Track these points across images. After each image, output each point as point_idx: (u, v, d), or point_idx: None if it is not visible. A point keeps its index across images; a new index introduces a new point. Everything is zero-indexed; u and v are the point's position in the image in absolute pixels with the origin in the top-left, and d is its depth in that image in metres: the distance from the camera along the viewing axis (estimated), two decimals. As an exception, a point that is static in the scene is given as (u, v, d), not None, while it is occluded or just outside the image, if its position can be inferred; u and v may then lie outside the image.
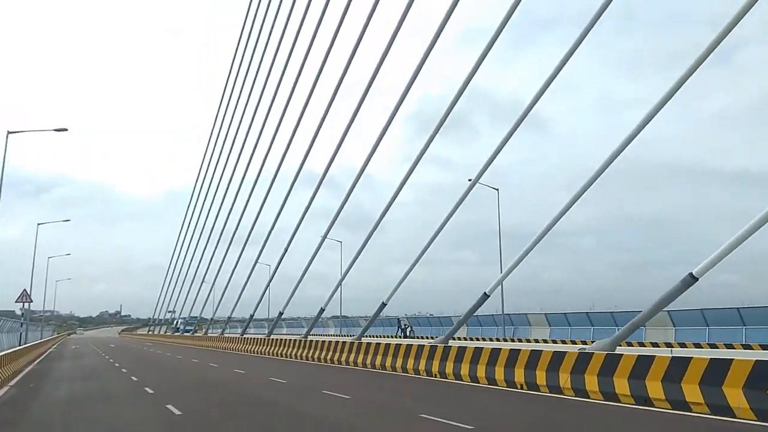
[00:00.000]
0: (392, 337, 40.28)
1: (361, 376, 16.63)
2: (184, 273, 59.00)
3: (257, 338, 34.58)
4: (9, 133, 22.24)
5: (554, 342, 29.89)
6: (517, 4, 16.34)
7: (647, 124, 12.76)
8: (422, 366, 15.97)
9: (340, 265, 48.23)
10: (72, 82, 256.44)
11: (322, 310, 27.25)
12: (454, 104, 18.64)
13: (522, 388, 12.01)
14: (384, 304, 21.27)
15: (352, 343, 20.92)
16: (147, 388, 14.08)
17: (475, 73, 17.89)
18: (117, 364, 24.52)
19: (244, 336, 37.69)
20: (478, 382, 13.38)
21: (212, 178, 51.59)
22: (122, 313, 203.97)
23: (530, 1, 17.17)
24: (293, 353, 25.66)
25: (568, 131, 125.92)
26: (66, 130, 23.56)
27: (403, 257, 44.93)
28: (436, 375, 15.17)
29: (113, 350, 41.57)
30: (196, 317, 61.18)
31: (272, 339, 30.51)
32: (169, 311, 72.74)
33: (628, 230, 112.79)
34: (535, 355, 12.16)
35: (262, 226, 35.98)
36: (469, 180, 18.39)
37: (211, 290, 50.88)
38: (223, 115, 50.36)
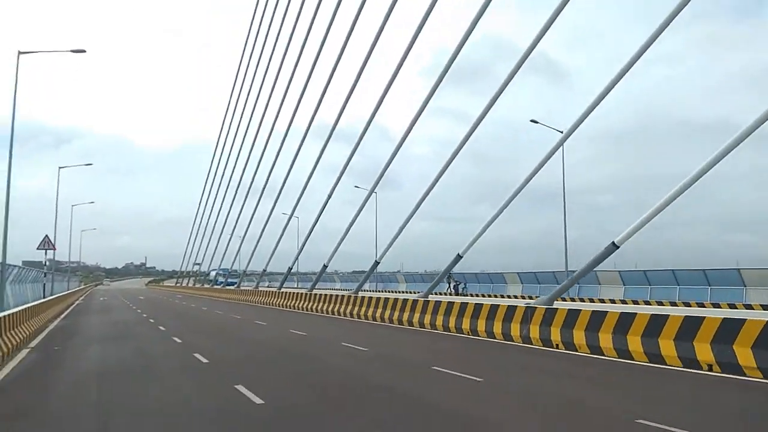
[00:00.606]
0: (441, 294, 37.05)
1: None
2: (211, 226, 57.23)
3: (294, 293, 32.29)
4: (20, 53, 19.19)
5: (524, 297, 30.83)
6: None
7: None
8: (399, 317, 18.48)
9: (375, 217, 47.26)
10: (91, 33, 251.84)
11: (325, 267, 28.88)
12: (461, 47, 18.14)
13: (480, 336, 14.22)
14: (377, 263, 22.52)
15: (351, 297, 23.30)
16: (198, 355, 11.17)
17: (481, 16, 17.25)
18: (152, 320, 21.97)
19: (281, 290, 35.17)
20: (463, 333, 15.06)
21: (236, 133, 49.93)
22: (147, 265, 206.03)
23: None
24: (337, 309, 23.26)
25: (591, 86, 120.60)
26: (84, 51, 20.76)
27: (419, 213, 43.33)
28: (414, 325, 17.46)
29: (144, 303, 38.68)
30: (236, 270, 57.29)
31: (314, 294, 28.00)
32: (196, 263, 72.23)
33: (649, 188, 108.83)
34: (493, 308, 14.29)
35: (294, 180, 34.86)
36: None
37: (241, 243, 48.60)
38: (245, 71, 48.70)
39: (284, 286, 37.32)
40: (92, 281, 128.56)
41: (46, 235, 31.07)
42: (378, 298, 21.05)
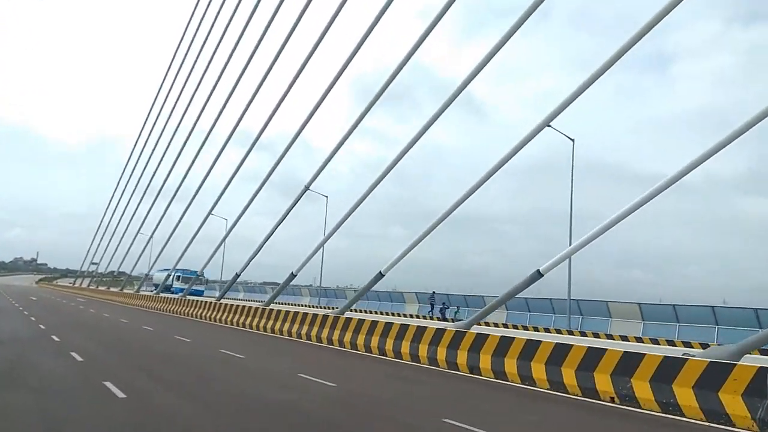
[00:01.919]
0: (410, 316, 35.11)
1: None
2: (119, 225, 54.04)
3: (202, 301, 30.95)
4: None
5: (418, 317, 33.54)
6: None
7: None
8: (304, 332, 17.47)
9: (324, 223, 44.99)
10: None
11: (237, 275, 28.77)
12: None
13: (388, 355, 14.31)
14: (293, 275, 21.84)
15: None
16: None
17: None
18: (55, 337, 15.28)
19: (188, 299, 33.51)
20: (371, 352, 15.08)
21: (155, 133, 48.14)
22: (38, 261, 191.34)
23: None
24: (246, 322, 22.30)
25: (506, 119, 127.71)
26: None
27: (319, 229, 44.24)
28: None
29: (38, 307, 31.74)
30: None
31: (222, 304, 26.94)
32: (93, 263, 67.94)
33: (548, 222, 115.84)
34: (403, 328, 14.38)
35: (215, 186, 33.82)
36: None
37: (148, 243, 45.95)
38: (168, 71, 47.90)
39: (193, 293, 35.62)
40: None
41: None
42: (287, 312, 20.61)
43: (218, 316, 26.08)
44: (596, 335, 25.12)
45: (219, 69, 34.41)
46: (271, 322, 21.10)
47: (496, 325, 28.98)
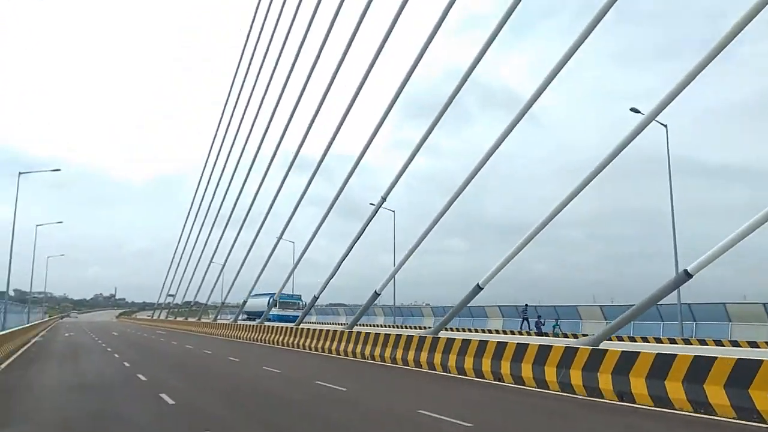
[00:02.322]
0: (513, 332, 32.65)
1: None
2: (187, 257, 54.79)
3: (278, 327, 29.83)
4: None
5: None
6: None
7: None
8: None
9: (393, 236, 43.93)
10: (69, 72, 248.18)
11: (315, 298, 27.21)
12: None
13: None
14: (377, 294, 20.91)
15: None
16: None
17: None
18: (142, 377, 13.84)
19: (263, 325, 32.64)
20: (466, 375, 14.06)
21: (215, 164, 49.05)
22: (117, 296, 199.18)
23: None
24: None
25: (559, 121, 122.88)
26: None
27: (391, 246, 43.60)
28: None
29: (120, 342, 30.82)
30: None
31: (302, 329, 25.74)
32: (170, 294, 69.13)
33: (616, 223, 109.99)
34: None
35: (279, 212, 34.06)
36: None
37: (221, 271, 45.91)
38: (224, 105, 48.31)
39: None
40: (59, 312, 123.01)
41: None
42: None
43: (298, 341, 24.89)
44: (719, 343, 22.28)
45: (275, 98, 34.49)
46: (358, 346, 19.59)
47: (584, 335, 26.35)
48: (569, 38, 14.25)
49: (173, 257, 63.64)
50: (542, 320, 32.92)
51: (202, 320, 50.71)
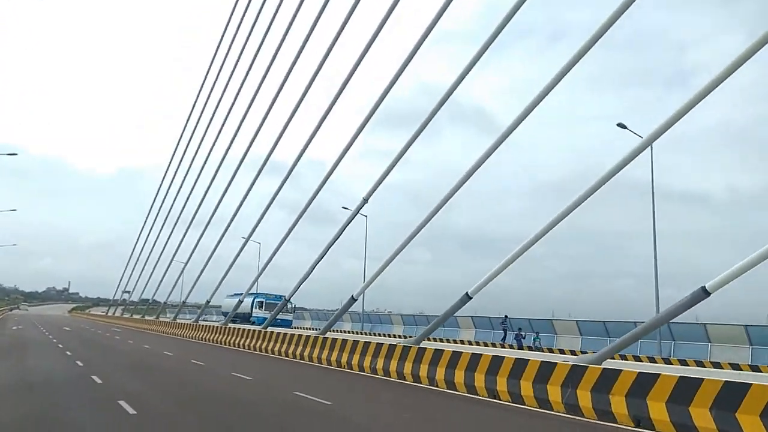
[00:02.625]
0: (487, 344, 30.36)
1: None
2: (147, 253, 52.52)
3: (241, 329, 28.50)
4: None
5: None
6: (513, 12, 15.58)
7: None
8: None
9: (365, 240, 42.90)
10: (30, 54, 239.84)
11: (286, 301, 27.46)
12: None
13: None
14: (354, 299, 20.40)
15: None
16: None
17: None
18: (96, 378, 12.38)
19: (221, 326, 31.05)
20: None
21: (180, 162, 46.65)
22: (70, 291, 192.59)
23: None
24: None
25: (529, 141, 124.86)
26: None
27: (359, 253, 43.29)
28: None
29: (72, 338, 29.72)
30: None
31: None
32: (126, 291, 66.53)
33: (575, 241, 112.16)
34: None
35: (233, 211, 33.43)
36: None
37: (182, 271, 43.96)
38: (194, 102, 46.14)
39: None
40: (8, 305, 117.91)
41: None
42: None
43: (266, 346, 23.46)
44: (699, 363, 21.89)
45: (247, 100, 33.40)
46: (333, 353, 18.36)
47: (573, 353, 25.82)
48: (542, 61, 14.43)
49: (132, 253, 61.11)
50: (522, 333, 31.81)
51: (161, 319, 48.47)
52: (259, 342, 24.46)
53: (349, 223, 21.78)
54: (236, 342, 26.90)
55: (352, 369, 16.91)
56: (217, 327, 31.49)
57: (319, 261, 22.94)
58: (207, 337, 31.37)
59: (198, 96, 45.42)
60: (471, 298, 15.06)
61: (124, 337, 32.58)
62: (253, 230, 30.52)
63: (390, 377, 15.06)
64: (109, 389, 11.08)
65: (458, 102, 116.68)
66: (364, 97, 21.33)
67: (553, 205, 12.97)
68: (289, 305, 34.75)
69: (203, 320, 39.22)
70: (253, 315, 36.73)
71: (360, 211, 21.69)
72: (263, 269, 30.40)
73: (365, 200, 20.90)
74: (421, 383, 13.89)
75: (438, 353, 14.01)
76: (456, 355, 13.39)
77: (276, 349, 22.49)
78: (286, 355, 21.34)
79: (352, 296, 19.97)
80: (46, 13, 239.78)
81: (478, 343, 32.42)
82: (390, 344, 16.24)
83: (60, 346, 22.77)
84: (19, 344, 23.00)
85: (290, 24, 28.13)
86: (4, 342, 24.34)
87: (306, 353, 20.03)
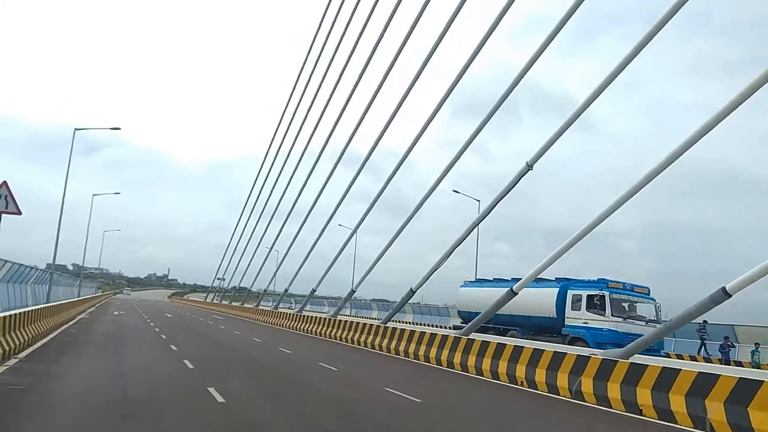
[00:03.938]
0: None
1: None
2: (244, 243, 53.89)
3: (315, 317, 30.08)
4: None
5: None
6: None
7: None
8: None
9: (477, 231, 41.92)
10: (131, 52, 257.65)
11: (352, 292, 27.82)
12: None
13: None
14: (413, 291, 20.38)
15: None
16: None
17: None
18: (214, 393, 8.92)
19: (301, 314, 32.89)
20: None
21: (275, 157, 47.00)
22: (169, 277, 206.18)
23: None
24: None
25: (617, 131, 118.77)
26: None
27: (437, 245, 42.43)
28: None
29: (174, 326, 28.28)
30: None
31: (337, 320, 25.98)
32: (219, 278, 69.31)
33: (669, 237, 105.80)
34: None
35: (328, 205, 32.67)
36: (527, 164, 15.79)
37: (281, 262, 45.18)
38: (290, 94, 45.73)
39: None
40: (112, 289, 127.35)
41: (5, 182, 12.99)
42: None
43: (335, 333, 25.06)
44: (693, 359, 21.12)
45: (339, 92, 33.25)
46: (392, 342, 19.59)
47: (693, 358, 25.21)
48: (625, 45, 13.74)
49: (229, 242, 63.80)
50: (731, 343, 26.84)
51: (261, 307, 48.41)
52: (328, 329, 26.02)
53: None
54: (307, 329, 28.64)
55: (408, 357, 17.88)
56: (325, 318, 28.74)
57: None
58: (289, 324, 32.49)
59: (291, 96, 45.37)
60: (516, 293, 15.34)
61: (230, 327, 30.68)
62: (359, 224, 28.31)
63: (442, 366, 15.87)
64: (239, 411, 7.95)
65: (542, 89, 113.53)
66: (442, 85, 20.74)
67: (640, 199, 12.65)
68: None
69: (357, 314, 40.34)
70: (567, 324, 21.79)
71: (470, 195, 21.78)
72: (333, 261, 30.72)
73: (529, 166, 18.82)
74: (468, 372, 14.62)
75: (485, 344, 14.67)
76: (501, 347, 14.00)
77: (343, 335, 23.93)
78: (351, 342, 22.70)
79: (411, 288, 20.77)
80: (148, 14, 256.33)
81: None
82: (443, 335, 17.06)
83: (163, 337, 20.95)
84: (118, 336, 20.45)
85: (368, 18, 28.50)
86: (103, 332, 22.19)
87: (369, 340, 21.27)
